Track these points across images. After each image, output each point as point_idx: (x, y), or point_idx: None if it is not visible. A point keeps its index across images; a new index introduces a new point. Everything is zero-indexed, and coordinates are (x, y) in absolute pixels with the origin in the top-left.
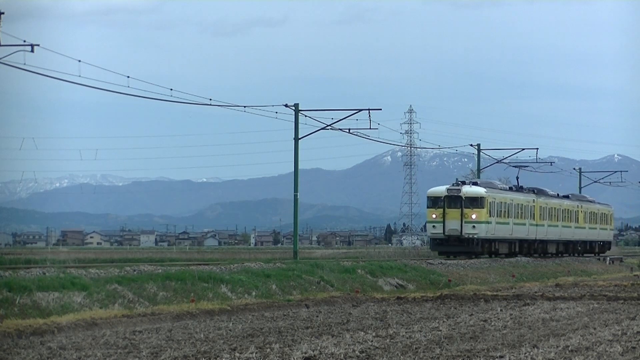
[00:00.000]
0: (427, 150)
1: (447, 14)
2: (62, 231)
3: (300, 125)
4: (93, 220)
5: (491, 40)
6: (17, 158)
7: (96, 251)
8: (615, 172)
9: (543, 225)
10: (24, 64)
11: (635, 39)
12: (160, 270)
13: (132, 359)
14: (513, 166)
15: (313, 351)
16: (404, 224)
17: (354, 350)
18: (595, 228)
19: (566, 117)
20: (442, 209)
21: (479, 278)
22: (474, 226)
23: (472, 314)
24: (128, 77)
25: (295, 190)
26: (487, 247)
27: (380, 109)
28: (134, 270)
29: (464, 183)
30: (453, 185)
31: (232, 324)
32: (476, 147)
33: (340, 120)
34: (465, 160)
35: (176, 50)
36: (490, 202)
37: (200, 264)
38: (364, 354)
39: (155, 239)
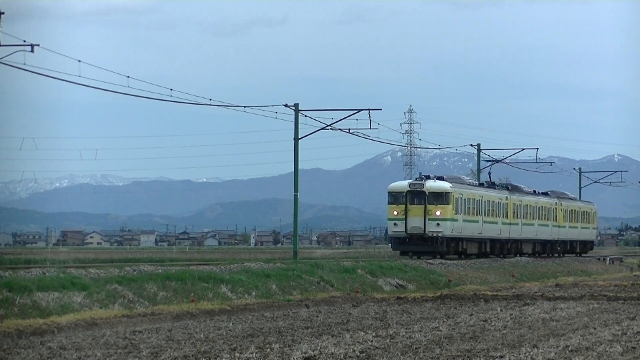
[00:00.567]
0: (427, 150)
1: (447, 14)
2: (62, 231)
3: (300, 125)
4: (93, 220)
5: (491, 40)
6: (17, 158)
7: (96, 251)
8: (615, 172)
9: (517, 223)
10: (24, 64)
11: (635, 39)
12: (160, 270)
13: (132, 359)
14: (485, 160)
15: (313, 351)
16: None
17: (354, 350)
18: (577, 227)
19: (566, 117)
20: (404, 205)
21: (479, 278)
22: (438, 224)
23: (472, 314)
24: (128, 77)
25: (295, 190)
26: (453, 247)
27: (380, 109)
28: (134, 270)
29: (428, 177)
30: (416, 179)
31: (232, 324)
32: (476, 147)
33: (340, 120)
34: (465, 160)
35: (176, 50)
36: (456, 198)
37: (200, 264)
38: (364, 354)
39: (155, 239)
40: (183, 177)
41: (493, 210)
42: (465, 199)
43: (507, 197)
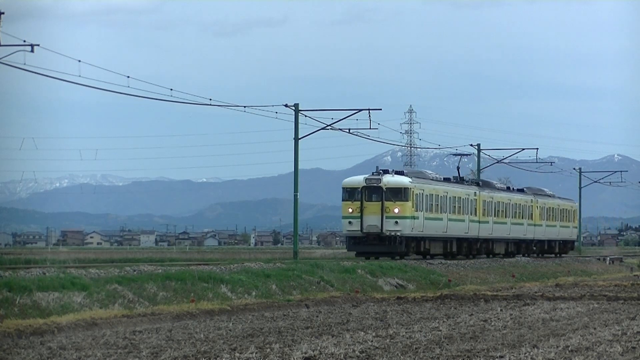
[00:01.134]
0: (427, 150)
1: (447, 14)
2: (62, 231)
3: (300, 125)
4: (93, 220)
5: (491, 41)
6: (17, 158)
7: (96, 251)
8: (615, 172)
9: (487, 221)
10: (24, 64)
11: (636, 39)
12: (160, 270)
13: (132, 359)
14: (453, 154)
15: (313, 351)
16: None
17: (354, 350)
18: (555, 226)
19: (566, 117)
20: (359, 202)
21: (479, 278)
22: (396, 222)
23: (472, 314)
24: (128, 77)
25: (295, 190)
26: (414, 247)
27: (380, 109)
28: (134, 270)
29: (385, 172)
30: (372, 174)
31: (232, 324)
32: (476, 147)
33: (340, 120)
34: (466, 160)
35: (176, 50)
36: (416, 194)
37: (200, 264)
38: (364, 354)
39: (155, 239)
40: (183, 177)
41: (460, 207)
42: (427, 195)
43: (475, 193)
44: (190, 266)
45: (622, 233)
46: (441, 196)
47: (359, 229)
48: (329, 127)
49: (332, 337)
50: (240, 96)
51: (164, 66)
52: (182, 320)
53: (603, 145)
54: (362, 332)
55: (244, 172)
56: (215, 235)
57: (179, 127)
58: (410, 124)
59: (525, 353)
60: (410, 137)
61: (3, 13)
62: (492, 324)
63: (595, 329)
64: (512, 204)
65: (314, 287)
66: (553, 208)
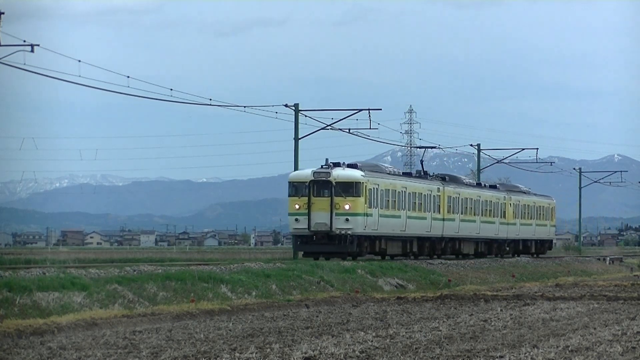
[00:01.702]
0: (427, 150)
1: (447, 14)
2: (62, 231)
3: (300, 125)
4: (93, 220)
5: (491, 40)
6: (17, 158)
7: (96, 251)
8: (615, 172)
9: (453, 219)
10: (24, 64)
11: (636, 39)
12: (160, 270)
13: (132, 359)
14: (417, 147)
15: (313, 351)
16: None
17: (354, 350)
18: (530, 224)
19: (566, 117)
20: (307, 198)
21: (479, 278)
22: (347, 219)
23: (472, 314)
24: (128, 77)
25: None
26: (367, 246)
27: (380, 109)
28: (134, 270)
29: (337, 165)
30: (322, 167)
31: (232, 324)
32: (476, 147)
33: (340, 120)
34: (465, 160)
35: (176, 50)
36: (370, 189)
37: (200, 264)
38: (364, 354)
39: (155, 239)
40: (183, 177)
41: (421, 204)
42: (382, 191)
43: (439, 188)
44: (190, 266)
45: (622, 233)
46: (399, 192)
47: (307, 227)
48: (329, 127)
49: (332, 337)
50: (240, 96)
51: (164, 66)
52: (182, 320)
53: (603, 145)
54: (362, 332)
55: (244, 172)
56: (215, 236)
57: (179, 127)
58: (410, 124)
59: (525, 353)
60: (410, 137)
61: (3, 13)
62: (492, 324)
63: (595, 329)
64: (482, 201)
65: (314, 287)
66: (528, 205)
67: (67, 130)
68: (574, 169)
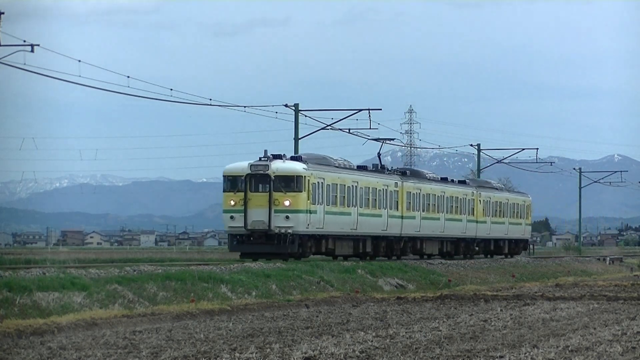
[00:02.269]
0: (427, 150)
1: (447, 13)
2: (62, 231)
3: (300, 125)
4: (93, 220)
5: (491, 41)
6: (17, 158)
7: (96, 251)
8: (615, 172)
9: (413, 217)
10: (24, 64)
11: (635, 39)
12: (160, 271)
13: (132, 359)
14: (374, 139)
15: (313, 351)
16: None
17: (354, 350)
18: (503, 223)
19: (566, 117)
20: (243, 193)
21: (479, 278)
22: (287, 217)
23: (472, 314)
24: (128, 77)
25: None
26: (312, 247)
27: (380, 109)
28: (134, 270)
29: (277, 157)
30: (260, 159)
31: (232, 324)
32: (476, 147)
33: (340, 120)
34: (465, 160)
35: (176, 50)
36: (314, 184)
37: (200, 264)
38: (364, 354)
39: (155, 239)
40: (183, 177)
41: (375, 200)
42: (329, 185)
43: (397, 183)
44: (190, 266)
45: (622, 233)
46: (349, 187)
47: (243, 225)
48: (329, 127)
49: (332, 337)
50: (240, 96)
51: (164, 66)
52: (182, 320)
53: (603, 145)
54: (362, 332)
55: None
56: (215, 236)
57: (179, 127)
58: (410, 124)
59: (525, 353)
60: (410, 137)
61: (3, 13)
62: (492, 324)
63: (595, 329)
64: (447, 197)
65: (314, 287)
66: (501, 203)
67: (67, 130)
68: (574, 169)
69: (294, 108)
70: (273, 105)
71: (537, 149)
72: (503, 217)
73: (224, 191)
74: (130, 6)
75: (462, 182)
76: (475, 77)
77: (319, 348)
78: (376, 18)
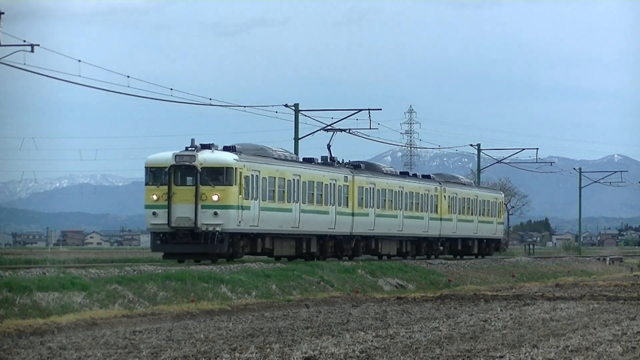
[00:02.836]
0: (427, 150)
1: (447, 13)
2: (62, 231)
3: (300, 125)
4: (93, 220)
5: (491, 40)
6: (17, 158)
7: (96, 251)
8: (615, 172)
9: (366, 214)
10: (24, 64)
11: (635, 39)
12: (160, 271)
13: (132, 359)
14: (324, 129)
15: (313, 351)
16: None
17: (354, 350)
18: (471, 221)
19: (566, 117)
20: (166, 187)
21: (479, 278)
22: (215, 213)
23: (472, 314)
24: (128, 77)
25: None
26: (245, 246)
27: (380, 109)
28: (134, 270)
29: (206, 147)
30: (186, 149)
31: (232, 324)
32: (476, 147)
33: (340, 120)
34: (466, 160)
35: (176, 50)
36: (246, 177)
37: (200, 264)
38: (364, 354)
39: None
40: None
41: (321, 196)
42: (265, 179)
43: (347, 177)
44: (190, 266)
45: (622, 233)
46: (289, 180)
47: (166, 222)
48: (329, 127)
49: (332, 337)
50: (240, 96)
51: (164, 66)
52: (182, 320)
53: (603, 145)
54: (362, 332)
55: None
56: None
57: (179, 127)
58: (410, 124)
59: (525, 353)
60: (410, 137)
61: (3, 13)
62: (492, 324)
63: (595, 329)
64: (406, 193)
65: (314, 287)
66: (469, 199)
67: (67, 130)
68: (574, 169)
69: (294, 108)
70: (273, 105)
71: (537, 149)
72: (472, 214)
73: (146, 184)
74: (130, 6)
75: (426, 177)
76: (475, 77)
77: (319, 348)
78: (376, 18)
